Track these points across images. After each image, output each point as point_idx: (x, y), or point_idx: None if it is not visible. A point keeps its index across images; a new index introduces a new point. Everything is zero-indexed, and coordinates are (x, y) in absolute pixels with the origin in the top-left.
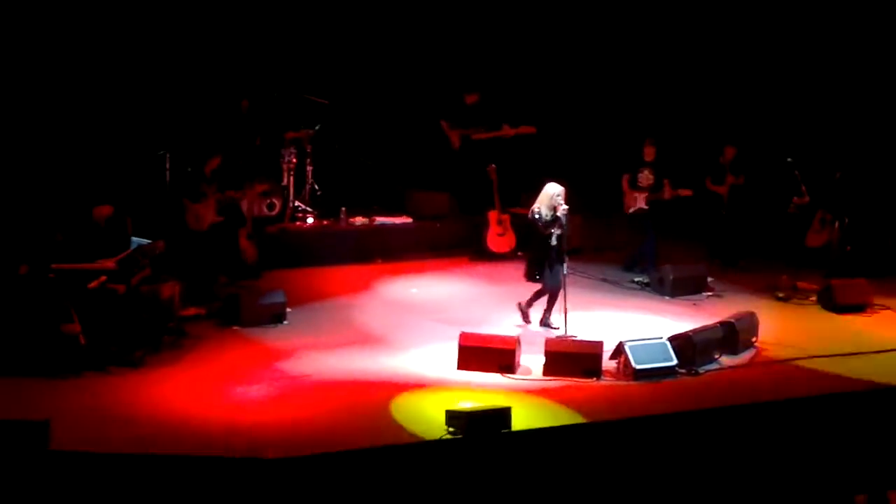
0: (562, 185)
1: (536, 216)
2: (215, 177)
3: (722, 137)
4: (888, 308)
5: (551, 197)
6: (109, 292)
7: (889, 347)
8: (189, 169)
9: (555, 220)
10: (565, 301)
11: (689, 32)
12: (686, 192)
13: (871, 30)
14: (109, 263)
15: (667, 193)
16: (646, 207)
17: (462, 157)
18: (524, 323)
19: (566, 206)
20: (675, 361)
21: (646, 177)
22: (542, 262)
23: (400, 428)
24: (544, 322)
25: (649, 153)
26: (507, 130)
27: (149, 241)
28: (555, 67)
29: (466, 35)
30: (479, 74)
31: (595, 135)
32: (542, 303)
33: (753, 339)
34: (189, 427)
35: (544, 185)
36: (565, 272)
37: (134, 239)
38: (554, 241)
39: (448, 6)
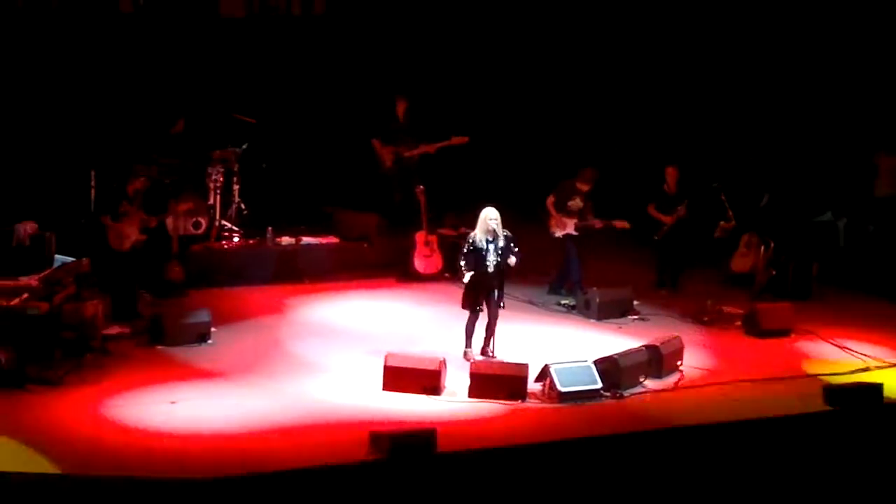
0: (497, 208)
1: (469, 242)
2: (138, 196)
3: (650, 162)
4: (812, 332)
5: (485, 221)
6: (32, 310)
7: (811, 372)
8: (114, 185)
9: (487, 245)
10: (493, 327)
11: (616, 54)
12: (622, 224)
13: (795, 58)
14: (32, 281)
15: (598, 223)
16: (575, 234)
17: (394, 177)
18: (470, 357)
19: (506, 232)
20: (599, 384)
21: (576, 203)
22: (475, 288)
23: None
24: (484, 351)
25: (584, 186)
26: (436, 145)
27: (73, 259)
28: (490, 84)
29: (396, 51)
30: (410, 89)
31: (525, 155)
32: (482, 331)
33: (678, 363)
34: (109, 447)
35: (480, 208)
36: (496, 299)
37: (58, 257)
38: (490, 269)
39: (377, 22)
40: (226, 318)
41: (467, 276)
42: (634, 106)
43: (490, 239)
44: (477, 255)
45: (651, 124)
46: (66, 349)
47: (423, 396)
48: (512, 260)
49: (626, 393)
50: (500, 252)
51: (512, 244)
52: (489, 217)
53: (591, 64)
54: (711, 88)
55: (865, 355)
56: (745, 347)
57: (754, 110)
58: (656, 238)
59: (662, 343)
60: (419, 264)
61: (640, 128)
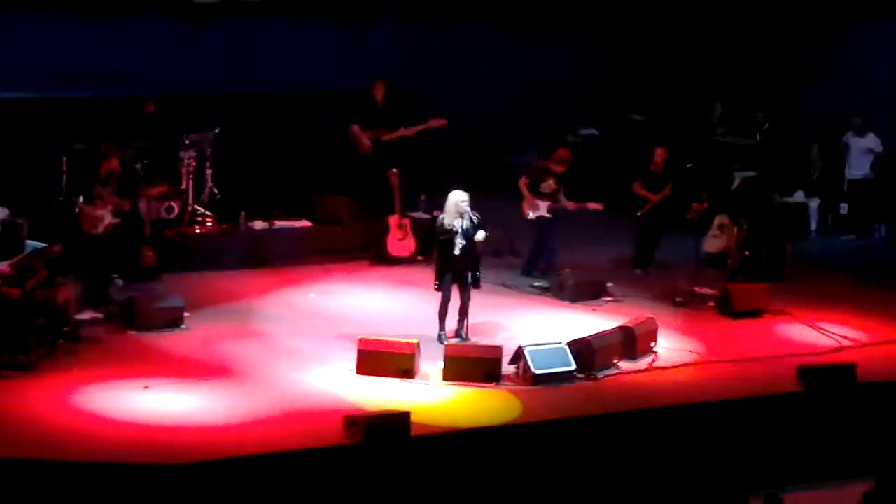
0: (465, 191)
1: (438, 224)
2: (112, 178)
3: (622, 141)
4: (786, 313)
5: (456, 204)
6: (3, 296)
7: (784, 353)
8: (86, 164)
9: (457, 227)
10: (466, 310)
11: (588, 31)
12: (596, 206)
13: (770, 37)
14: (4, 267)
15: (571, 205)
16: (548, 216)
17: (371, 161)
18: (444, 340)
19: (475, 214)
20: (574, 366)
21: (549, 185)
22: (445, 270)
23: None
24: (457, 334)
25: (557, 167)
26: (415, 128)
27: (44, 245)
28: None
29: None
30: (388, 72)
31: (500, 136)
32: (455, 313)
33: (652, 345)
34: (81, 433)
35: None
36: (470, 281)
37: (29, 242)
38: (457, 251)
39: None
40: (199, 302)
41: (457, 249)
42: (609, 85)
43: (458, 222)
44: (446, 239)
45: (628, 103)
46: (38, 335)
47: (398, 380)
48: (480, 234)
49: (601, 375)
50: (467, 234)
51: (480, 224)
52: (459, 200)
53: (568, 45)
54: (685, 70)
55: (839, 336)
56: (718, 328)
57: (727, 91)
58: (639, 214)
59: (636, 324)
60: (393, 248)
61: (618, 108)
